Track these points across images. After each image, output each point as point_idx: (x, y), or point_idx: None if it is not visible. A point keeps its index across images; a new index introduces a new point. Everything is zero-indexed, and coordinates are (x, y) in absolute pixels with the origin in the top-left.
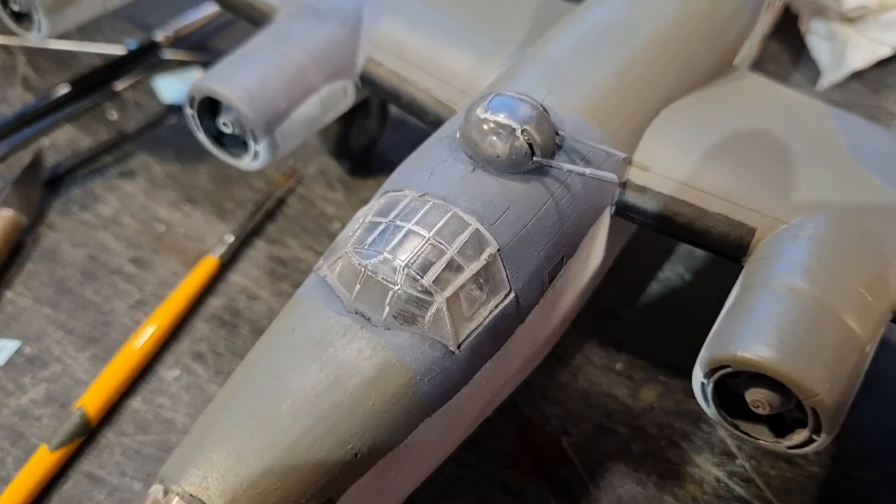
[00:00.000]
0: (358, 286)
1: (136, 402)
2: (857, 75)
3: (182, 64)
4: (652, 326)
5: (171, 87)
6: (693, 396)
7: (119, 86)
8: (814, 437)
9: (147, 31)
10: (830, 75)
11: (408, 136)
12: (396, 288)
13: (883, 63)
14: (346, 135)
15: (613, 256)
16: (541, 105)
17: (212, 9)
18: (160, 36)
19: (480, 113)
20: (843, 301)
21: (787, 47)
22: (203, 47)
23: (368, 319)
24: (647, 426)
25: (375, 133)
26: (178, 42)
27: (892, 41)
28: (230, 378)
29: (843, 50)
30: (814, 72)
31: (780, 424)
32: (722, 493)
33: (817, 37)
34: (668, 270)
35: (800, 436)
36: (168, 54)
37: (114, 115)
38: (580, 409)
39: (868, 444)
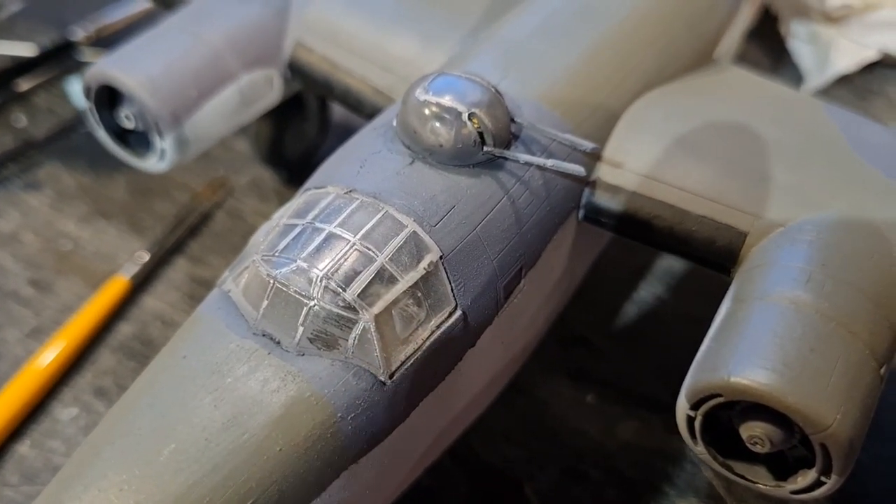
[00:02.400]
0: (265, 302)
1: (23, 447)
2: (842, 80)
3: None
4: (626, 354)
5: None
6: (675, 432)
7: (24, 86)
8: (823, 479)
9: (64, 28)
10: (814, 80)
11: None
12: (312, 304)
13: (868, 67)
14: (280, 140)
15: (582, 273)
16: (493, 87)
17: (139, 6)
18: (79, 34)
19: (420, 95)
20: (853, 315)
21: (767, 51)
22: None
23: (278, 343)
24: (624, 468)
25: (315, 138)
26: (99, 42)
27: (877, 44)
28: (105, 416)
29: (826, 53)
30: (796, 77)
31: (781, 464)
32: None
33: (799, 40)
34: (644, 290)
35: (805, 478)
36: (87, 55)
37: (22, 120)
38: (546, 450)
39: (869, 483)
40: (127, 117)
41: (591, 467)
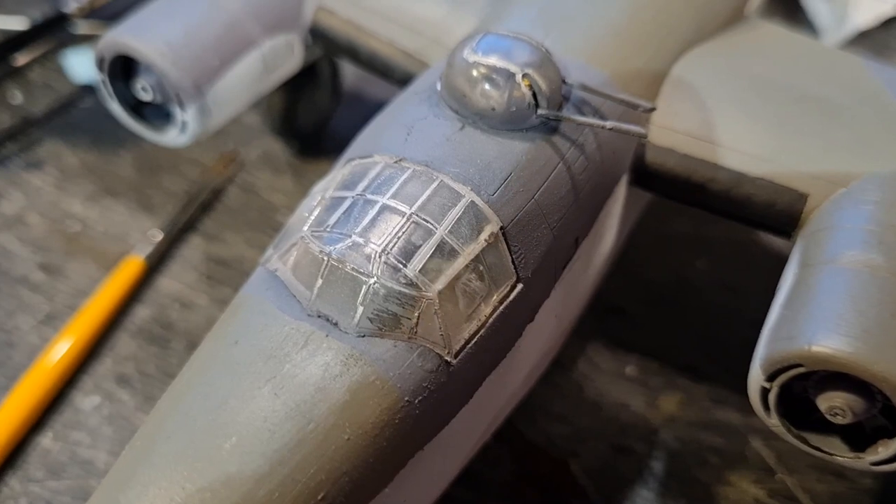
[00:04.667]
0: (320, 281)
1: (46, 440)
2: (859, 37)
3: (97, 39)
4: (663, 323)
5: (85, 65)
6: (719, 402)
7: (21, 60)
8: None
9: (56, 0)
10: (831, 37)
11: (365, 112)
12: (372, 281)
13: (886, 23)
14: (293, 109)
15: (623, 240)
16: (543, 46)
17: None
18: (72, 6)
19: (468, 55)
20: None
21: (781, 7)
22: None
23: (336, 324)
24: (669, 441)
25: (327, 108)
26: (93, 13)
27: None
28: (154, 409)
29: (843, 9)
30: (810, 34)
31: (857, 435)
32: None
33: None
34: (677, 258)
35: (888, 448)
36: (81, 27)
37: (18, 97)
38: (589, 426)
39: None
40: (144, 89)
41: (635, 441)
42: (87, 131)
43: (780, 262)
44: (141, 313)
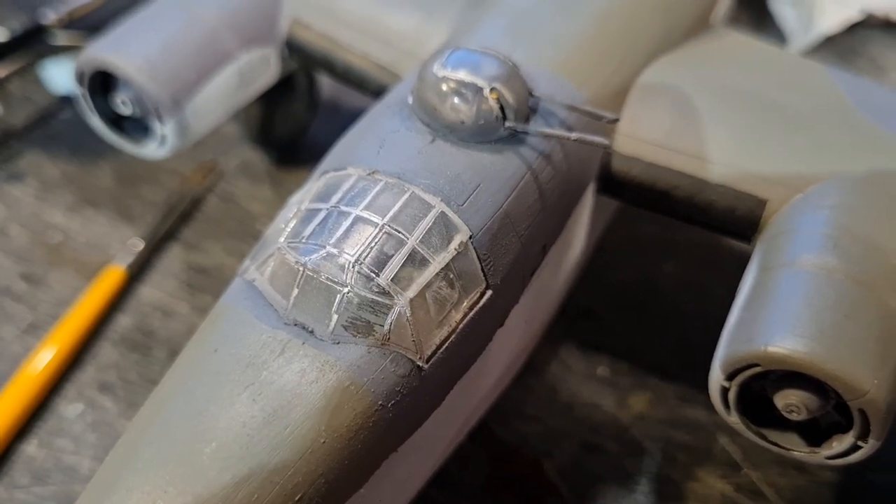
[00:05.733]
0: (296, 290)
1: (31, 447)
2: (826, 42)
3: (76, 50)
4: (633, 325)
5: (64, 77)
6: (687, 401)
7: (1, 71)
8: (860, 443)
9: (34, 11)
10: (798, 42)
11: (342, 122)
12: (346, 290)
13: (851, 28)
14: (270, 120)
15: (592, 246)
16: (510, 60)
17: None
18: (50, 17)
19: (438, 70)
20: (884, 278)
21: (750, 13)
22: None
23: (311, 332)
24: (640, 439)
25: (304, 118)
26: (72, 24)
27: (861, 4)
28: (137, 416)
29: (810, 14)
30: (779, 39)
31: (813, 430)
32: None
33: (782, 2)
34: (647, 261)
35: (842, 443)
36: (60, 38)
37: None
38: (561, 426)
39: (884, 444)
40: (123, 103)
41: (606, 440)
42: (67, 142)
43: (745, 264)
44: (122, 322)
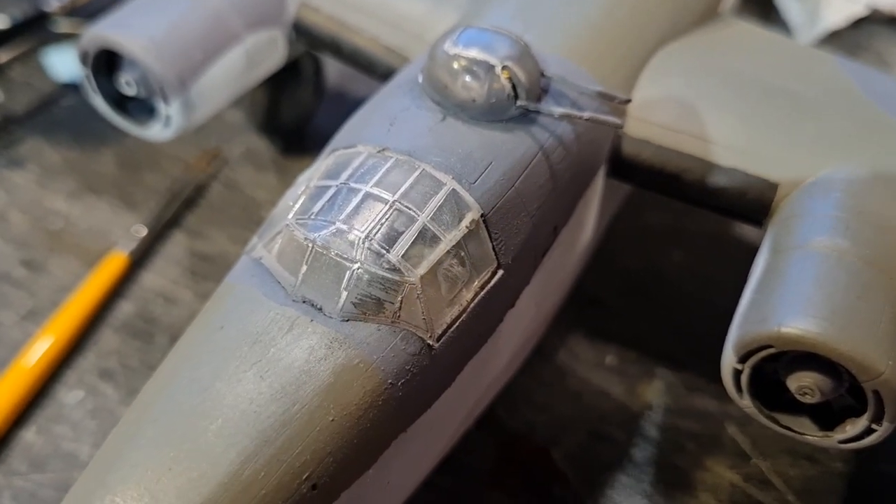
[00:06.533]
0: (304, 267)
1: (29, 433)
2: (831, 37)
3: (79, 37)
4: (642, 313)
5: (66, 63)
6: (696, 390)
7: (1, 58)
8: (874, 426)
9: None
10: (803, 36)
11: (348, 109)
12: (355, 267)
13: (857, 23)
14: (276, 106)
15: (602, 231)
16: (521, 39)
17: None
18: (52, 4)
19: (449, 48)
20: (894, 260)
21: (755, 7)
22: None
23: (320, 309)
24: (648, 428)
25: (310, 105)
26: (75, 11)
27: None
28: (140, 394)
29: (815, 8)
30: (784, 33)
31: (825, 414)
32: (739, 499)
33: None
34: (655, 249)
35: (855, 426)
36: (62, 25)
37: None
38: (570, 414)
39: (893, 434)
40: (127, 83)
41: (615, 429)
42: (69, 129)
43: (754, 253)
44: (125, 308)
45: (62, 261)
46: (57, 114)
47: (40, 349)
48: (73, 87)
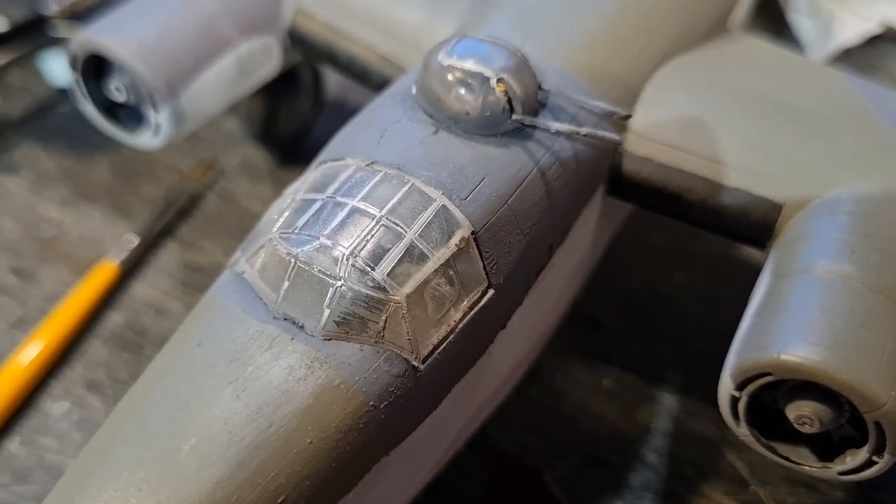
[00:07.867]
0: (287, 283)
1: (13, 444)
2: (843, 55)
3: None
4: (640, 336)
5: (63, 69)
6: (694, 415)
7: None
8: (875, 458)
9: (35, 2)
10: (815, 54)
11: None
12: (339, 284)
13: (870, 41)
14: (274, 117)
15: (601, 251)
16: (519, 51)
17: None
18: (52, 8)
19: (444, 59)
20: None
21: (767, 24)
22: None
23: (301, 327)
24: (645, 453)
25: (308, 116)
26: (73, 16)
27: (879, 16)
28: (114, 411)
29: (828, 26)
30: (796, 51)
31: (825, 445)
32: None
33: (800, 13)
34: (656, 270)
35: (855, 458)
36: (61, 30)
37: None
38: (564, 438)
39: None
40: (117, 89)
41: (610, 453)
42: (64, 135)
43: (756, 276)
44: (114, 319)
45: (53, 269)
46: (53, 120)
47: (27, 358)
48: (69, 93)
